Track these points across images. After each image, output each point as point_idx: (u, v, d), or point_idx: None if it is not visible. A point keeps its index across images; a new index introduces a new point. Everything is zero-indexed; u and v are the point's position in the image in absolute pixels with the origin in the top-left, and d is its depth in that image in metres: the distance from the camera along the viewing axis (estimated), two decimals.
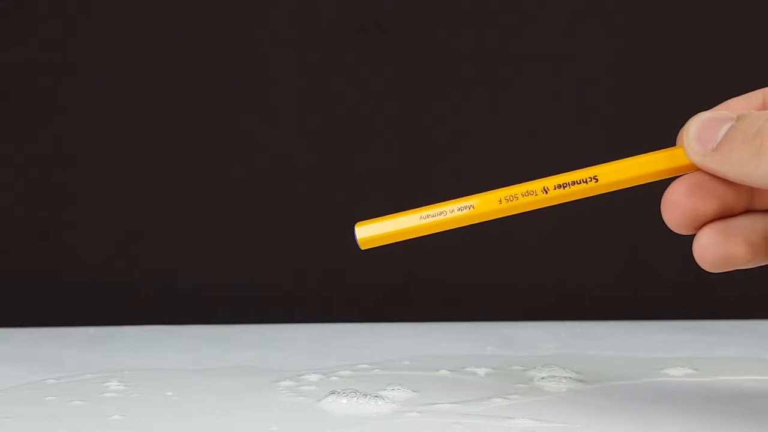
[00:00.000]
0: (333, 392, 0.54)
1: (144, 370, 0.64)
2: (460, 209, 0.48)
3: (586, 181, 0.47)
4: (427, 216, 0.49)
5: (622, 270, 0.92)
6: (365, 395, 0.53)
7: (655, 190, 0.92)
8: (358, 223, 0.51)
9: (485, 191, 0.49)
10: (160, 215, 0.91)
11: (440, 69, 0.92)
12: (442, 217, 0.49)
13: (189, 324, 0.84)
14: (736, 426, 0.50)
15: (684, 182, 0.49)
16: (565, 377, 0.59)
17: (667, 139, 0.92)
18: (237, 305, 0.90)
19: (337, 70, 0.91)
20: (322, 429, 0.50)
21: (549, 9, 0.91)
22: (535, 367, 0.61)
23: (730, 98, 0.53)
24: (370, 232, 0.50)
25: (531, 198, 0.48)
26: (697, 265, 0.49)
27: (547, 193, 0.48)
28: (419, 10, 0.91)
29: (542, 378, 0.59)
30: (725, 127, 0.47)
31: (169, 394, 0.57)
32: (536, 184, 0.47)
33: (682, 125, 0.49)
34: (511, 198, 0.48)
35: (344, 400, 0.53)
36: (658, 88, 0.92)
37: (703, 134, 0.48)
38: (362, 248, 0.51)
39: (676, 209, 0.49)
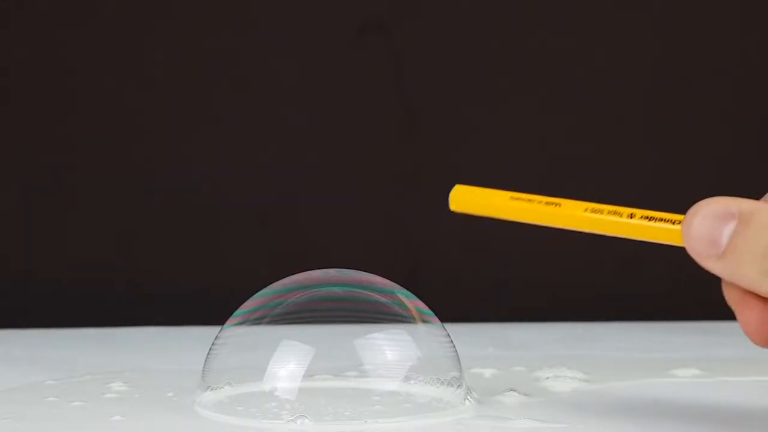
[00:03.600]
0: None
1: (145, 370, 0.63)
2: (547, 203, 0.48)
3: (674, 222, 0.45)
4: (518, 198, 0.49)
5: (622, 270, 0.92)
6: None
7: (652, 189, 0.92)
8: (457, 185, 0.51)
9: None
10: (160, 215, 0.91)
11: (441, 69, 0.91)
12: (529, 203, 0.48)
13: (189, 324, 0.84)
14: (745, 428, 0.50)
15: (751, 323, 0.45)
16: (571, 377, 0.59)
17: (669, 139, 0.91)
18: (237, 306, 0.90)
19: (337, 70, 0.91)
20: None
21: (551, 8, 0.91)
22: (541, 368, 0.61)
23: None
24: (464, 194, 0.51)
25: (615, 218, 0.46)
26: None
27: (632, 218, 0.46)
28: (419, 10, 0.91)
29: (547, 378, 0.59)
30: (729, 228, 0.43)
31: (170, 395, 0.56)
32: (624, 209, 0.46)
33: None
34: (597, 211, 0.47)
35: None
36: (662, 89, 0.91)
37: (705, 234, 0.43)
38: (451, 208, 0.51)
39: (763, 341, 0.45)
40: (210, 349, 0.56)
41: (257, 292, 0.59)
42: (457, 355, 0.54)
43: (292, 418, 0.50)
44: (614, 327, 0.84)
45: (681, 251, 0.82)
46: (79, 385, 0.59)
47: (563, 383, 0.58)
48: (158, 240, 0.91)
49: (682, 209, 0.94)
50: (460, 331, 0.81)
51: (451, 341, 0.55)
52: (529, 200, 0.49)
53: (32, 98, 0.90)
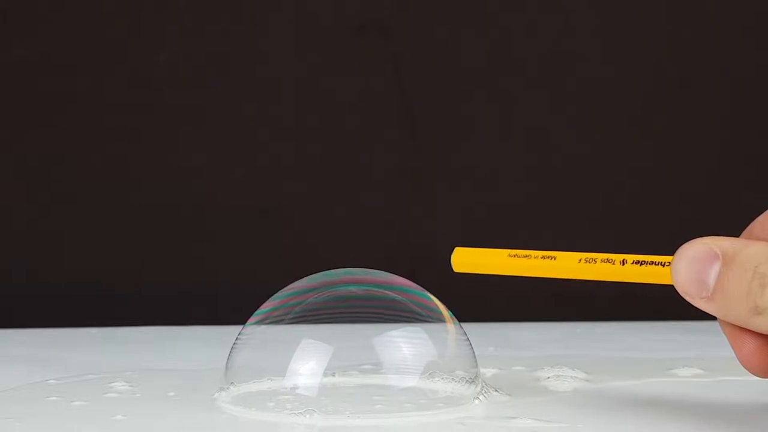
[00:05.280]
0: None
1: (146, 370, 0.63)
2: (543, 258, 0.50)
3: (663, 264, 0.47)
4: (515, 255, 0.51)
5: None
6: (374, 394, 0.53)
7: (651, 190, 0.92)
8: (457, 247, 0.54)
9: (566, 251, 0.51)
10: (160, 215, 0.91)
11: (440, 69, 0.91)
12: (526, 259, 0.51)
13: (189, 324, 0.84)
14: (746, 427, 0.50)
15: (747, 355, 0.47)
16: (573, 377, 0.59)
17: (669, 139, 0.92)
18: (237, 305, 0.90)
19: (337, 70, 0.91)
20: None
21: (549, 9, 0.91)
22: (542, 368, 0.61)
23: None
24: (465, 256, 0.54)
25: (607, 266, 0.49)
26: None
27: (623, 265, 0.48)
28: (419, 10, 0.91)
29: (548, 378, 0.59)
30: (715, 270, 0.44)
31: (171, 394, 0.57)
32: (616, 256, 0.49)
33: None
34: (591, 260, 0.49)
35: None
36: (661, 90, 0.92)
37: (693, 278, 0.45)
38: (455, 270, 0.54)
39: (760, 372, 0.47)
40: (232, 347, 0.56)
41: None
42: (473, 353, 0.55)
43: (300, 412, 0.51)
44: (614, 327, 0.84)
45: None
46: (80, 384, 0.59)
47: (564, 383, 0.58)
48: (158, 240, 0.91)
49: (681, 210, 0.95)
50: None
51: (468, 340, 0.55)
52: (526, 256, 0.51)
53: (32, 98, 0.90)
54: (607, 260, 0.49)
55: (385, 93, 0.91)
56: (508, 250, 0.52)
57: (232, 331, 0.81)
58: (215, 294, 0.91)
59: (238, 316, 0.88)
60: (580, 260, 0.49)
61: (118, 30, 0.90)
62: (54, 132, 0.90)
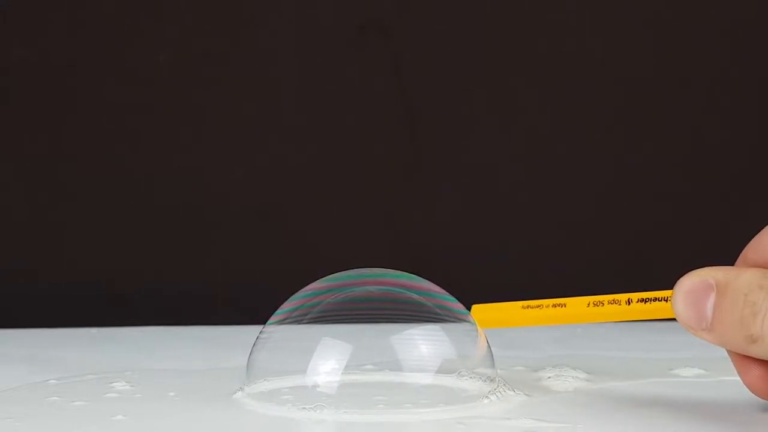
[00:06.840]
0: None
1: (146, 370, 0.63)
2: (554, 306, 0.53)
3: (666, 300, 0.49)
4: (527, 306, 0.54)
5: (624, 270, 0.92)
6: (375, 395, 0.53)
7: (650, 190, 0.92)
8: (473, 305, 0.56)
9: (575, 296, 0.53)
10: (160, 215, 0.91)
11: (440, 69, 0.91)
12: (539, 309, 0.53)
13: (189, 324, 0.84)
14: (747, 427, 0.50)
15: (755, 380, 0.48)
16: (573, 377, 0.59)
17: (669, 139, 0.92)
18: (238, 305, 0.90)
19: (337, 70, 0.91)
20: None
21: (550, 10, 0.91)
22: (543, 368, 0.61)
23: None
24: (481, 312, 0.56)
25: (615, 307, 0.51)
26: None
27: (629, 304, 0.50)
28: (419, 10, 0.91)
29: (549, 378, 0.59)
30: (711, 301, 0.45)
31: (171, 394, 0.57)
32: (622, 296, 0.51)
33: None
34: (598, 303, 0.51)
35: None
36: (661, 89, 0.92)
37: (691, 310, 0.46)
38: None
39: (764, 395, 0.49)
40: (252, 346, 0.57)
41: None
42: (491, 353, 0.55)
43: (311, 406, 0.51)
44: (614, 327, 0.83)
45: (684, 252, 0.83)
46: (80, 384, 0.59)
47: (565, 383, 0.58)
48: (158, 240, 0.91)
49: (681, 210, 0.95)
50: None
51: (486, 340, 0.56)
52: (538, 306, 0.53)
53: (32, 98, 0.90)
54: (614, 301, 0.51)
55: (385, 93, 0.91)
56: (521, 303, 0.54)
57: (231, 331, 0.81)
58: (215, 294, 0.91)
59: (238, 316, 0.88)
60: (588, 304, 0.52)
61: (118, 30, 0.90)
62: (54, 132, 0.90)
